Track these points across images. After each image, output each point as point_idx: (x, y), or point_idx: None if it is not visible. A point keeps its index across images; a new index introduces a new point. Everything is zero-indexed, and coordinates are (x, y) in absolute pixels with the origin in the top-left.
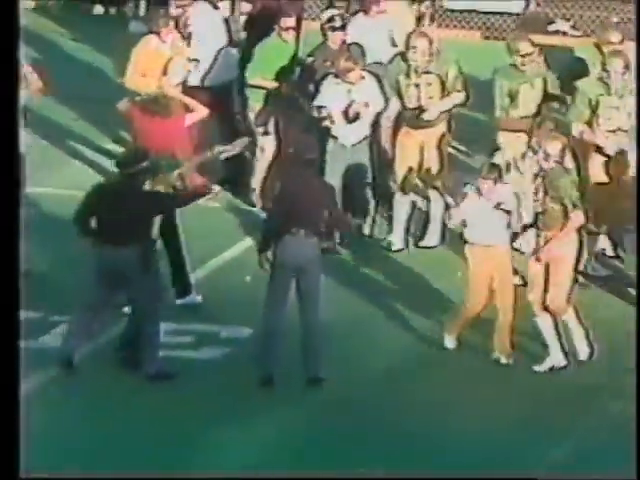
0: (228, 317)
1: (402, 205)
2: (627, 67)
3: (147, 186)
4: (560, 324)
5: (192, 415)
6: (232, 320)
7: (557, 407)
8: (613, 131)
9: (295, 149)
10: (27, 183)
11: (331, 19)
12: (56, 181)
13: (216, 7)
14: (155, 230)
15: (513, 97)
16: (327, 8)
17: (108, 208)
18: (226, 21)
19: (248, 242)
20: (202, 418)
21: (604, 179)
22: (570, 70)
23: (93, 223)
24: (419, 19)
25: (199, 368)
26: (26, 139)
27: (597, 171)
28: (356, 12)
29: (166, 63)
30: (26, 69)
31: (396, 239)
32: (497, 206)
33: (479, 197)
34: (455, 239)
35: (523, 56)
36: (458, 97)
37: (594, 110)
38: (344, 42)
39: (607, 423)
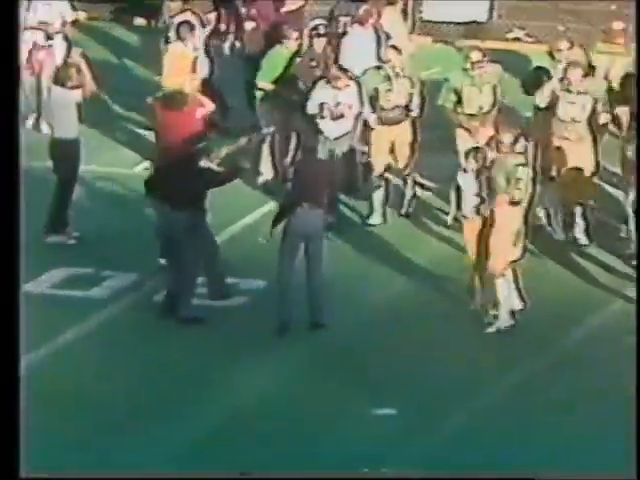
0: (246, 271)
1: (378, 187)
2: (586, 74)
3: (202, 163)
4: (508, 286)
5: (214, 353)
6: (249, 274)
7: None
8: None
9: (298, 139)
10: (82, 163)
11: (316, 28)
12: (105, 161)
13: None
14: (206, 201)
15: (458, 95)
16: (330, 18)
17: (171, 179)
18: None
19: (261, 211)
20: (223, 356)
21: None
22: (532, 76)
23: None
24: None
25: (222, 314)
26: (80, 128)
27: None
28: (353, 23)
29: (193, 62)
30: (84, 71)
31: (376, 216)
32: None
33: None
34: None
35: (473, 63)
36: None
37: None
38: (334, 48)
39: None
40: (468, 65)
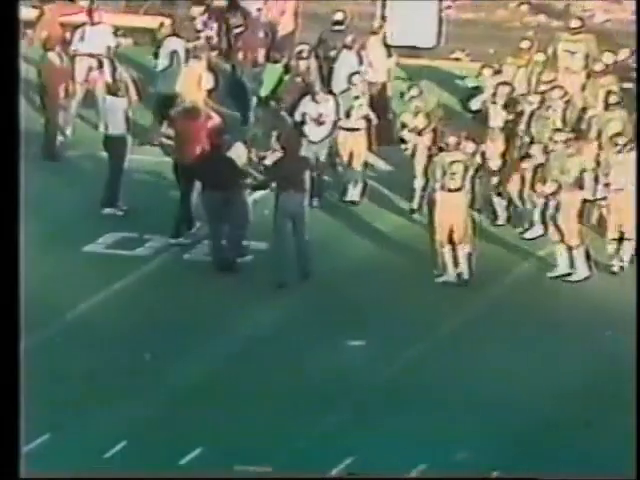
0: (253, 235)
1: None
2: (512, 90)
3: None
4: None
5: (234, 297)
6: (255, 237)
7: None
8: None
9: (287, 142)
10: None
11: (300, 52)
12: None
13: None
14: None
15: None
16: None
17: (206, 168)
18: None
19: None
20: (237, 300)
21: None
22: (468, 92)
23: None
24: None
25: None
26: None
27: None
28: (343, 47)
29: (199, 77)
30: (129, 84)
31: (354, 194)
32: None
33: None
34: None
35: (411, 97)
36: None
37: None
38: (321, 69)
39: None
40: (407, 98)
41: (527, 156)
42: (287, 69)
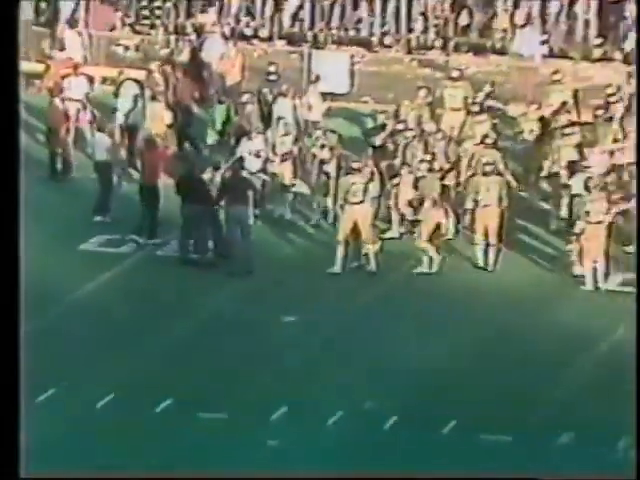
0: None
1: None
2: (406, 128)
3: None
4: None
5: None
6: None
7: None
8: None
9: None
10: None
11: (245, 98)
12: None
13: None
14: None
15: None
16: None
17: (186, 188)
18: None
19: None
20: (194, 285)
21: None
22: (371, 128)
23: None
24: None
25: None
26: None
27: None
28: (279, 94)
29: (160, 115)
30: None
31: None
32: None
33: None
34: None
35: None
36: None
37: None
38: (260, 111)
39: None
40: (314, 137)
41: (395, 176)
42: (236, 110)
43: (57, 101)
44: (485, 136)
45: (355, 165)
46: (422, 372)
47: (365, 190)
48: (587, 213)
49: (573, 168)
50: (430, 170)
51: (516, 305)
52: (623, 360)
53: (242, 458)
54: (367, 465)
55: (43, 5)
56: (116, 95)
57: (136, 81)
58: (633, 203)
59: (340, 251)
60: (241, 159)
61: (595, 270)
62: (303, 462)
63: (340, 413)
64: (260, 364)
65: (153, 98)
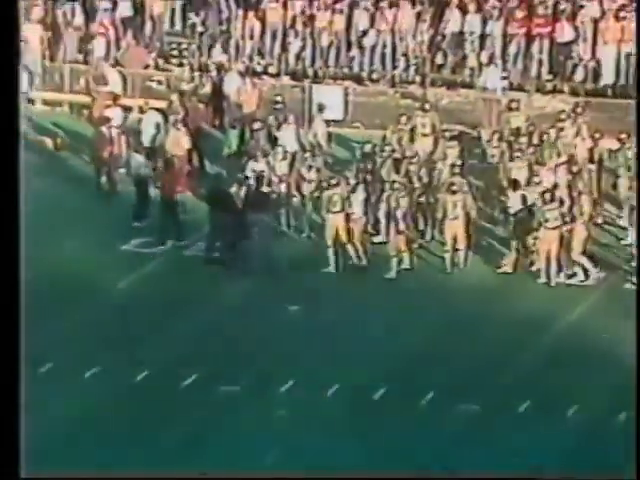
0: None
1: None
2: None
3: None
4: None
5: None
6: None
7: None
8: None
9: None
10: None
11: (257, 126)
12: None
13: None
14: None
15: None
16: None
17: (212, 200)
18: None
19: None
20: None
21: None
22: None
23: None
24: None
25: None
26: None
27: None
28: (284, 122)
29: (180, 140)
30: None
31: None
32: None
33: None
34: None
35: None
36: None
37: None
38: (269, 136)
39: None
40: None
41: (382, 190)
42: (251, 134)
43: (103, 128)
44: (453, 165)
45: (333, 181)
46: (405, 352)
47: (344, 201)
48: (546, 220)
49: (525, 183)
50: (404, 187)
51: (481, 296)
52: (572, 340)
53: (254, 426)
54: (360, 428)
55: (89, 46)
56: (141, 122)
57: (159, 110)
58: (577, 225)
59: (331, 253)
60: (262, 176)
61: (549, 267)
62: (307, 428)
63: (337, 386)
64: (270, 345)
65: (174, 125)
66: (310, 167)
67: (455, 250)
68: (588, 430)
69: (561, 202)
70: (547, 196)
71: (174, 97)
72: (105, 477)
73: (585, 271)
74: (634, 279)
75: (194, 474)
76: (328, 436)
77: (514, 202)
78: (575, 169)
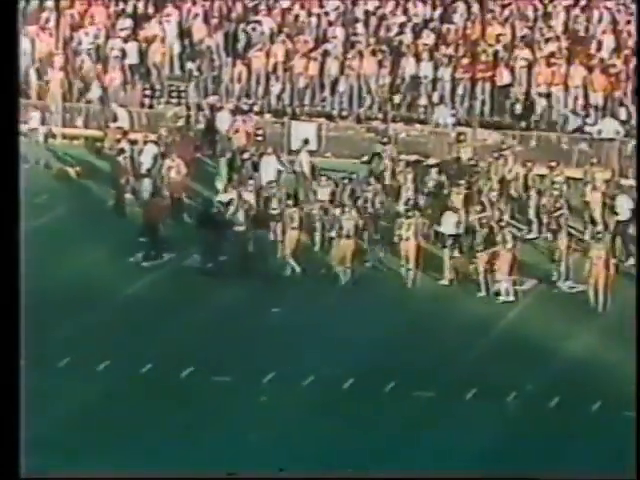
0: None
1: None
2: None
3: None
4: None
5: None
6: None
7: None
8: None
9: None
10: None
11: (246, 157)
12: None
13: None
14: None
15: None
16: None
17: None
18: None
19: None
20: (209, 286)
21: None
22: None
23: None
24: None
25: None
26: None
27: None
28: (265, 153)
29: (177, 167)
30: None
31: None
32: None
33: None
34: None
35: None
36: None
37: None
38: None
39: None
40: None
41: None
42: (240, 163)
43: (120, 159)
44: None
45: (323, 193)
46: (371, 348)
47: (302, 219)
48: (502, 241)
49: (463, 208)
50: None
51: (434, 304)
52: (508, 338)
53: (241, 410)
54: (331, 413)
55: (101, 88)
56: (140, 152)
57: (154, 142)
58: (502, 249)
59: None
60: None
61: (486, 281)
62: (286, 412)
63: (312, 377)
64: (255, 341)
65: (165, 156)
66: (288, 195)
67: (407, 270)
68: (524, 412)
69: (490, 228)
70: (481, 221)
71: (163, 130)
72: (105, 477)
73: (511, 288)
74: (561, 284)
75: (221, 473)
76: (305, 420)
77: (450, 225)
78: (505, 197)
